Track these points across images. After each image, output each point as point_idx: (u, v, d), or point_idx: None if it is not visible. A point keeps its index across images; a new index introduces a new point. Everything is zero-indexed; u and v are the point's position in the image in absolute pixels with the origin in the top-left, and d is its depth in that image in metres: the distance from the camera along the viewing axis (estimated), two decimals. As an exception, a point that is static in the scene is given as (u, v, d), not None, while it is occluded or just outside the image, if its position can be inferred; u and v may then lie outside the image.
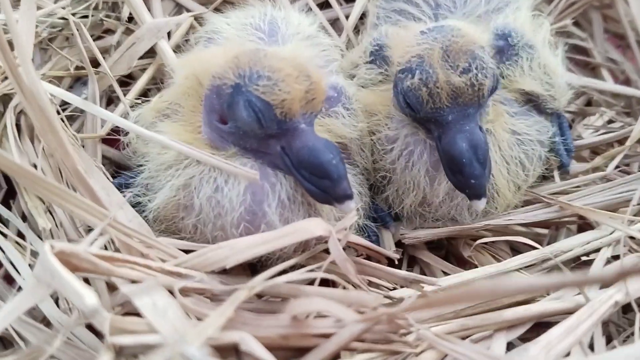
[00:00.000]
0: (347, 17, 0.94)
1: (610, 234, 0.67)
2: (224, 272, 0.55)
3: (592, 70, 1.00)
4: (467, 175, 0.61)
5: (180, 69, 0.65)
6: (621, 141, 0.81)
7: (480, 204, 0.63)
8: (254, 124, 0.57)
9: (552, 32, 0.96)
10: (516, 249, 0.76)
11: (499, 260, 0.71)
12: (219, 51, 0.61)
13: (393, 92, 0.68)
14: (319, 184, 0.56)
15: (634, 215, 0.71)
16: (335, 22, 0.94)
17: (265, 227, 0.59)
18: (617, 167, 0.77)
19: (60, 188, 0.50)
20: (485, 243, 0.73)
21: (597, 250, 0.68)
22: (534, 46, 0.73)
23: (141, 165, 0.65)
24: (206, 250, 0.55)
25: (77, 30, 0.74)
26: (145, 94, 0.80)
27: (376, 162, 0.72)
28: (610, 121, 0.93)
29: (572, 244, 0.69)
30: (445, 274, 0.71)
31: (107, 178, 0.65)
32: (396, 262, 0.69)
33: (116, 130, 0.74)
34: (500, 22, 0.75)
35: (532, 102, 0.75)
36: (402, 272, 0.60)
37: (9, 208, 0.70)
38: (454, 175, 0.62)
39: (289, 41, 0.74)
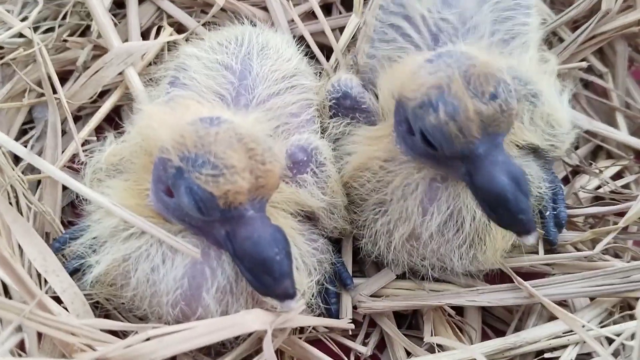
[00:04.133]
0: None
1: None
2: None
3: (607, 113, 0.92)
4: (513, 211, 0.54)
5: (137, 120, 0.61)
6: (621, 214, 0.73)
7: (531, 239, 0.55)
8: (195, 211, 0.53)
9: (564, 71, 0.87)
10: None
11: (461, 340, 0.69)
12: (171, 116, 0.56)
13: (396, 132, 0.62)
14: (260, 278, 0.52)
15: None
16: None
17: (202, 310, 0.57)
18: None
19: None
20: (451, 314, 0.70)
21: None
22: (538, 94, 0.66)
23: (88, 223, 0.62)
24: (134, 339, 0.52)
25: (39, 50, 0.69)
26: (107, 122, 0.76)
27: (363, 200, 0.67)
28: (619, 174, 0.86)
29: (538, 335, 0.66)
30: (407, 352, 0.68)
31: (61, 229, 0.62)
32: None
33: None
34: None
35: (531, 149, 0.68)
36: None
37: None
38: (494, 212, 0.55)
39: (261, 84, 0.68)
